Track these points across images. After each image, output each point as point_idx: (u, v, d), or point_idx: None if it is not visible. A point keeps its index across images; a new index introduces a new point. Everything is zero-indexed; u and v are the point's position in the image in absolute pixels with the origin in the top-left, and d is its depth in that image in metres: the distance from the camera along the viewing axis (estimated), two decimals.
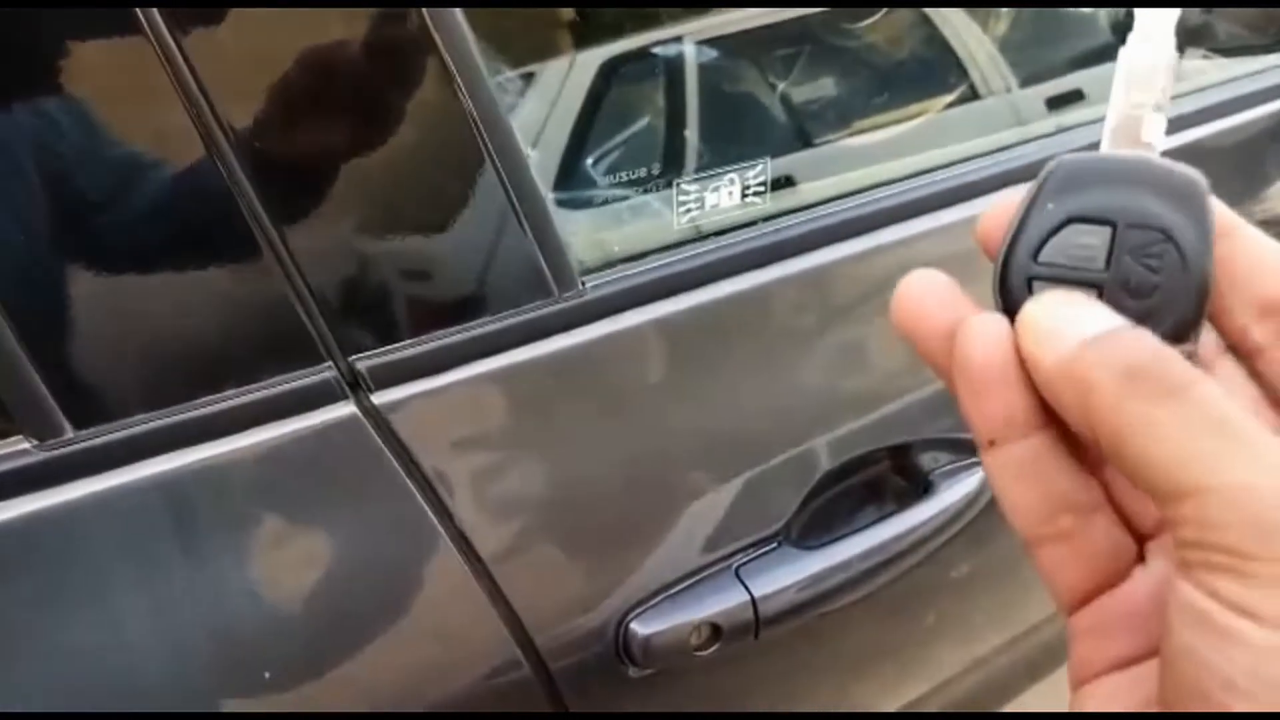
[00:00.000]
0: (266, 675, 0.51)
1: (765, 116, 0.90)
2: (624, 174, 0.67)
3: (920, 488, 0.74)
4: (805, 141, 0.89)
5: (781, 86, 0.91)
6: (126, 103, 0.47)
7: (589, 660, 0.61)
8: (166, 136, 0.48)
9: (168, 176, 0.48)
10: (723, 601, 0.63)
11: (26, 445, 0.48)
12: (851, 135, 0.88)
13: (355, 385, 0.55)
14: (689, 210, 0.67)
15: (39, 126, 0.45)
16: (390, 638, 0.56)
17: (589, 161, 0.70)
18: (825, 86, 0.97)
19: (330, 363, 0.54)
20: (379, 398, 0.55)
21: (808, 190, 0.74)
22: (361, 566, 0.55)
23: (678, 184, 0.66)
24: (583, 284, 0.61)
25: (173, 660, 0.50)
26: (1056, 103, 1.00)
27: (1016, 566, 0.90)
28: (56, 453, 0.48)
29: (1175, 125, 0.87)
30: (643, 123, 0.75)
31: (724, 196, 0.68)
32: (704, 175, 0.67)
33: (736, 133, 0.81)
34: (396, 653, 0.56)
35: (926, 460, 0.75)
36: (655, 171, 0.67)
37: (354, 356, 0.54)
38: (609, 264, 0.63)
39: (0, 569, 0.47)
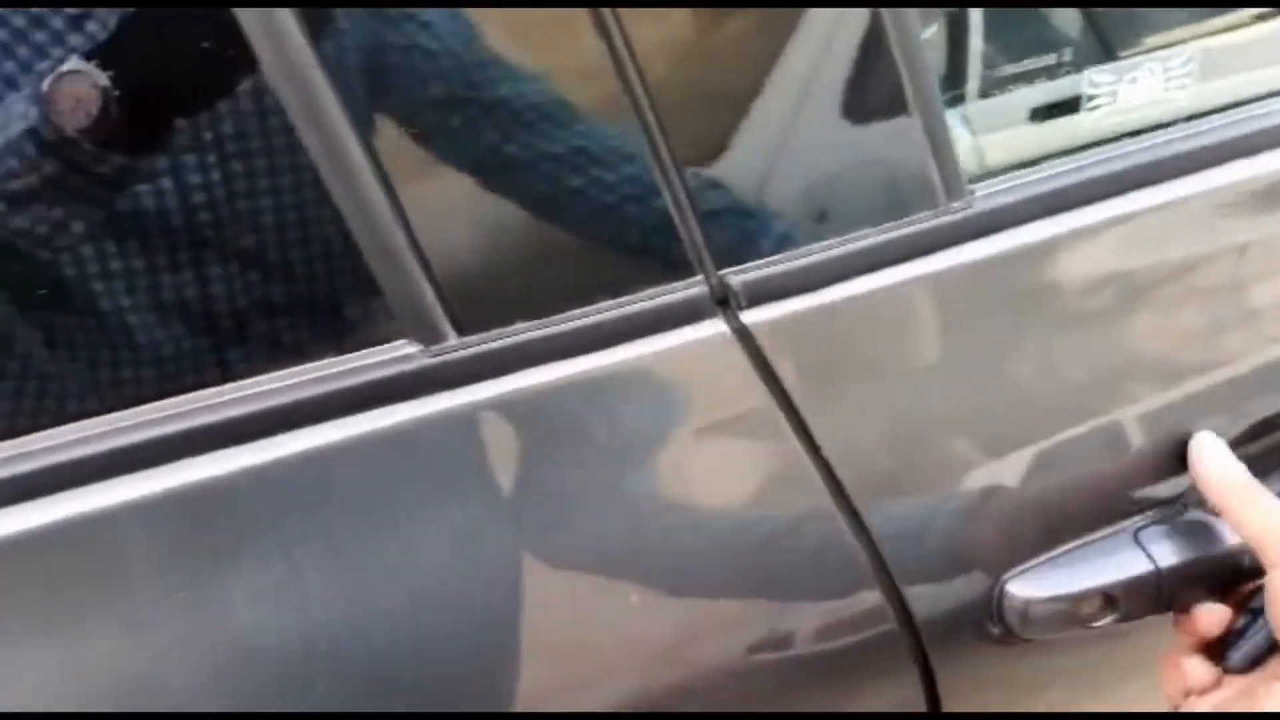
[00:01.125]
0: (634, 599, 0.50)
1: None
2: (1019, 64, 0.57)
3: None
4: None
5: None
6: (540, 34, 0.45)
7: (958, 619, 0.54)
8: (570, 59, 0.46)
9: (563, 91, 0.46)
10: (1120, 569, 0.54)
11: (412, 350, 0.47)
12: None
13: (724, 302, 0.50)
14: (1099, 105, 0.56)
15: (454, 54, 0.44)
16: (741, 563, 0.52)
17: (976, 48, 0.61)
18: None
19: (702, 276, 0.50)
20: (748, 316, 0.50)
21: (1239, 84, 0.61)
22: (719, 492, 0.52)
23: (1089, 74, 0.55)
24: (971, 192, 0.53)
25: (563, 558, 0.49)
26: None
27: None
28: (440, 359, 0.47)
29: None
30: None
31: (1142, 90, 0.56)
32: (1119, 61, 0.56)
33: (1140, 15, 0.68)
34: (747, 580, 0.52)
35: None
36: (1061, 59, 0.57)
37: (725, 271, 0.50)
38: (1002, 170, 0.54)
39: (387, 473, 0.47)
